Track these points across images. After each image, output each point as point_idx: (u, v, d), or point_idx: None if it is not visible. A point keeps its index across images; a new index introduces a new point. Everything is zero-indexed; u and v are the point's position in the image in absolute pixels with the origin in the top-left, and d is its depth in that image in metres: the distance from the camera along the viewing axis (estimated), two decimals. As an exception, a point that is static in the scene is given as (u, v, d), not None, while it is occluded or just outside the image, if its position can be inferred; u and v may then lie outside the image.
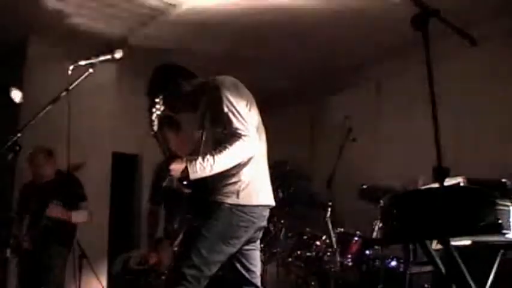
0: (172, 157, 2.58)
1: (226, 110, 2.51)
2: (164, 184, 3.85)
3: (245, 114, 2.54)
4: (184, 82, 2.79)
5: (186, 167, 2.47)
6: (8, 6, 5.00)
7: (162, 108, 2.66)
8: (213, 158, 2.45)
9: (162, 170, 3.94)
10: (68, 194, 4.16)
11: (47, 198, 4.05)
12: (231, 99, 2.53)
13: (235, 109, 2.51)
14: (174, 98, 2.76)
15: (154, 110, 2.64)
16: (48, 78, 5.01)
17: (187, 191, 2.59)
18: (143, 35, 5.56)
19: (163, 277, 3.53)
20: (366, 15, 5.00)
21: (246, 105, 2.61)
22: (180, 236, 3.54)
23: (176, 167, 2.51)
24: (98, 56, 2.86)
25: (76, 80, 2.82)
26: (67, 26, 5.40)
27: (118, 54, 2.93)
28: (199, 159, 2.46)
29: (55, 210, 4.03)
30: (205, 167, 2.45)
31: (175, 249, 3.51)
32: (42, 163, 4.28)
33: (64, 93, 2.83)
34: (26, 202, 4.30)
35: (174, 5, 5.00)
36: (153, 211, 3.99)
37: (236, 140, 2.46)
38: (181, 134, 3.81)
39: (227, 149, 2.45)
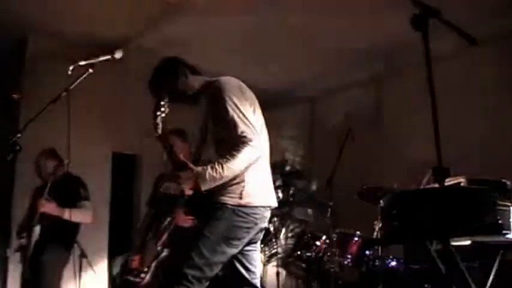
0: (179, 165, 2.58)
1: (230, 112, 2.49)
2: (161, 189, 3.92)
3: (250, 116, 2.54)
4: (190, 76, 2.79)
5: (197, 180, 2.45)
6: (8, 6, 5.00)
7: (167, 110, 2.66)
8: (222, 167, 2.44)
9: (162, 181, 4.02)
10: (66, 192, 4.15)
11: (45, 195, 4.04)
12: (236, 101, 2.52)
13: (240, 110, 2.50)
14: (177, 87, 2.76)
15: (159, 113, 2.64)
16: (48, 78, 5.01)
17: (189, 192, 2.59)
18: (143, 35, 5.56)
19: (142, 275, 3.59)
20: (366, 14, 5.00)
21: (250, 107, 2.60)
22: (165, 237, 3.60)
23: (187, 180, 2.51)
24: (98, 56, 2.86)
25: (76, 80, 2.82)
26: (67, 26, 5.39)
27: (118, 54, 2.93)
28: (209, 169, 2.45)
29: (47, 207, 3.99)
30: (216, 176, 2.43)
31: (159, 248, 3.59)
32: (47, 164, 4.28)
33: (64, 93, 2.83)
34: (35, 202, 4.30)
35: (174, 5, 5.00)
36: (149, 214, 4.02)
37: (244, 146, 2.44)
38: (187, 143, 3.85)
39: (235, 156, 2.44)
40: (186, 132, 3.85)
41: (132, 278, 3.67)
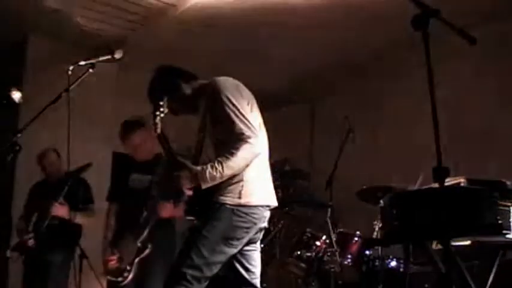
0: (178, 165, 2.57)
1: (228, 111, 2.49)
2: (130, 183, 3.81)
3: (248, 115, 2.53)
4: (184, 84, 2.78)
5: (196, 178, 2.46)
6: (8, 6, 5.01)
7: (166, 111, 2.66)
8: (222, 165, 2.44)
9: (123, 168, 3.94)
10: (74, 195, 4.16)
11: (53, 197, 4.04)
12: (233, 100, 2.52)
13: (238, 110, 2.50)
14: (174, 100, 2.76)
15: (158, 113, 2.64)
16: (48, 78, 5.01)
17: (189, 191, 2.59)
18: (143, 35, 5.56)
19: (125, 274, 3.51)
20: (366, 15, 5.00)
21: (248, 105, 2.60)
22: (146, 233, 3.53)
23: (186, 179, 2.51)
24: (97, 56, 2.86)
25: (76, 80, 2.82)
26: (67, 26, 5.39)
27: (118, 54, 2.94)
28: (208, 167, 2.45)
29: (60, 210, 4.02)
30: (215, 175, 2.44)
31: (139, 245, 3.51)
32: (53, 161, 4.30)
33: (64, 93, 2.83)
34: (35, 200, 4.30)
35: (174, 5, 5.00)
36: (114, 209, 3.90)
37: (242, 143, 2.44)
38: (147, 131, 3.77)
39: (234, 154, 2.44)
40: (145, 121, 3.74)
41: (114, 278, 3.61)
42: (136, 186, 3.78)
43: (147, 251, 3.51)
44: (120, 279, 3.52)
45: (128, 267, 3.51)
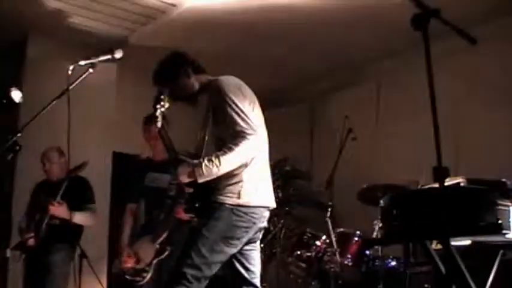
0: (176, 159, 2.58)
1: (229, 110, 2.50)
2: (146, 182, 3.82)
3: (249, 114, 2.54)
4: (193, 77, 2.78)
5: (193, 171, 2.46)
6: (8, 6, 5.01)
7: (167, 105, 2.65)
8: (219, 159, 2.44)
9: (142, 170, 3.95)
10: (74, 195, 4.16)
11: (53, 197, 4.05)
12: (234, 99, 2.53)
13: (239, 109, 2.51)
14: (178, 87, 2.75)
15: (159, 106, 2.64)
16: (48, 78, 5.01)
17: (189, 190, 2.59)
18: (143, 35, 5.56)
19: (144, 274, 3.53)
20: (366, 15, 5.00)
21: (250, 105, 2.61)
22: (165, 234, 3.54)
23: (183, 172, 2.51)
24: (98, 56, 2.86)
25: (76, 80, 2.82)
26: (67, 26, 5.40)
27: (118, 54, 2.93)
28: (205, 161, 2.46)
29: (58, 210, 4.03)
30: (212, 168, 2.44)
31: (157, 246, 3.53)
32: (55, 160, 4.30)
33: (64, 93, 2.83)
34: (36, 200, 4.30)
35: (174, 5, 5.00)
36: (133, 210, 3.94)
37: (242, 139, 2.45)
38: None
39: (232, 149, 2.45)
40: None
41: (131, 277, 3.62)
42: (155, 185, 3.79)
43: (166, 253, 3.52)
44: (138, 278, 3.54)
45: (147, 268, 3.53)
